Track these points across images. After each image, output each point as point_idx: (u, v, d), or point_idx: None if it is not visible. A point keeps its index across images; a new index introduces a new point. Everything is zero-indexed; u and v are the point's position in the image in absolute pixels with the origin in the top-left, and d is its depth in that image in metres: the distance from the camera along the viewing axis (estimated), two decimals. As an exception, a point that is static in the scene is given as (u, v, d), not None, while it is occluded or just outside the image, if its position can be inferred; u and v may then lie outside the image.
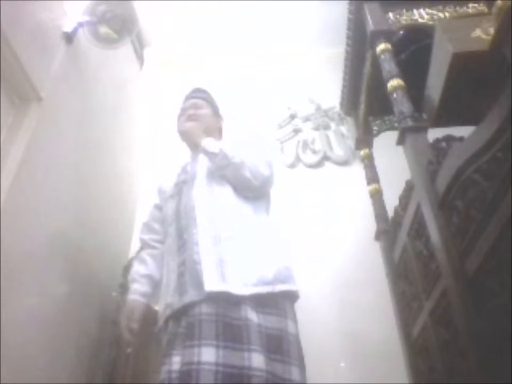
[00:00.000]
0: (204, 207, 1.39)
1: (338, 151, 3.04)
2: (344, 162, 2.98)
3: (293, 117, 3.23)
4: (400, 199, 1.93)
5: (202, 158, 1.55)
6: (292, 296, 1.31)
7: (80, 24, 2.05)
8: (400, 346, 1.81)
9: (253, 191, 1.46)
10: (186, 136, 1.61)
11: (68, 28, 2.02)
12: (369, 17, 1.89)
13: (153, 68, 3.48)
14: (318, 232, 2.61)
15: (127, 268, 2.43)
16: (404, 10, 1.91)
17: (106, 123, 2.51)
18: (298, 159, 3.01)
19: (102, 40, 2.10)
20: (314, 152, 3.04)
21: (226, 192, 1.45)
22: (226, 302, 1.20)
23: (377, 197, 2.20)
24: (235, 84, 3.39)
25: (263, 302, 1.23)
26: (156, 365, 2.25)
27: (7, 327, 1.47)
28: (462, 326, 1.20)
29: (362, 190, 2.36)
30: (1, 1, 1.49)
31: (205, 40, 3.52)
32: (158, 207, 1.63)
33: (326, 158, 3.00)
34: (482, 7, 1.85)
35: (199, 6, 3.27)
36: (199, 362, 1.09)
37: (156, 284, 1.48)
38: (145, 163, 3.24)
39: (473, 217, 1.12)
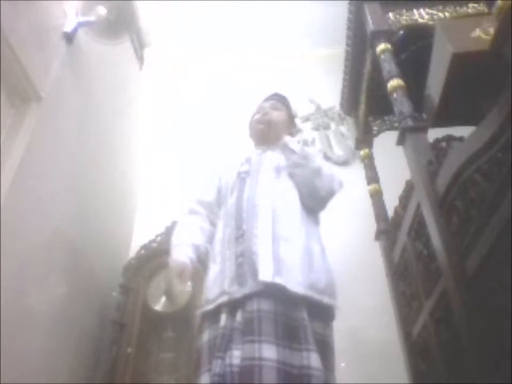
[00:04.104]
0: (266, 204, 1.41)
1: (338, 151, 3.04)
2: (344, 162, 2.98)
3: (293, 117, 3.24)
4: (400, 199, 1.93)
5: (270, 154, 1.57)
6: (332, 312, 1.35)
7: (80, 24, 2.05)
8: (400, 346, 1.81)
9: (315, 200, 1.48)
10: (270, 126, 1.61)
11: (68, 28, 2.02)
12: (369, 17, 1.88)
13: (153, 67, 3.47)
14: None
15: (127, 268, 2.43)
16: (404, 10, 1.91)
17: (106, 123, 2.51)
18: (298, 159, 3.01)
19: (101, 36, 2.10)
20: (314, 152, 3.04)
21: (289, 194, 1.46)
22: (284, 300, 1.21)
23: (377, 197, 2.20)
24: (235, 84, 3.40)
25: (312, 307, 1.26)
26: (156, 365, 2.27)
27: (7, 327, 1.47)
28: (462, 326, 1.20)
29: (362, 190, 2.36)
30: (1, 1, 1.49)
31: (204, 40, 3.52)
32: (219, 189, 1.62)
33: (326, 158, 2.99)
34: (482, 7, 1.85)
35: (199, 6, 3.27)
36: (261, 358, 1.10)
37: (198, 259, 1.48)
38: (146, 163, 3.24)
39: (473, 217, 1.12)
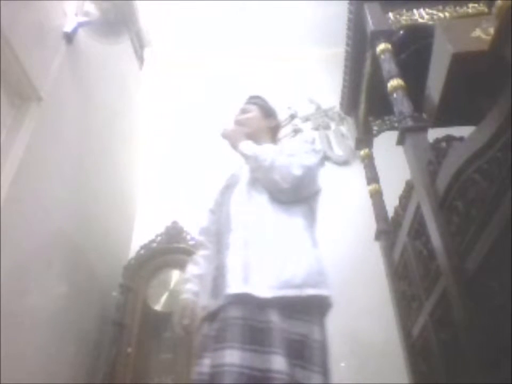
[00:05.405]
0: (238, 213, 1.42)
1: (338, 151, 3.04)
2: (344, 162, 2.98)
3: (293, 117, 3.22)
4: (400, 199, 1.93)
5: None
6: (321, 303, 1.30)
7: (80, 24, 2.05)
8: (400, 346, 1.81)
9: (285, 193, 1.43)
10: (226, 140, 1.62)
11: (68, 28, 2.02)
12: (369, 17, 1.88)
13: (153, 67, 3.48)
14: (318, 232, 2.60)
15: (127, 268, 2.44)
16: (404, 10, 1.91)
17: (106, 123, 2.51)
18: (298, 159, 3.01)
19: (101, 36, 2.10)
20: (314, 152, 3.04)
21: (262, 198, 1.45)
22: (253, 305, 1.20)
23: (377, 197, 2.20)
24: (235, 84, 3.39)
25: (290, 306, 1.23)
26: (155, 365, 2.27)
27: (7, 327, 1.47)
28: (462, 326, 1.20)
29: (362, 190, 2.36)
30: (1, 1, 1.49)
31: (204, 40, 3.52)
32: (211, 211, 1.67)
33: (326, 158, 3.00)
34: (482, 7, 1.85)
35: (199, 6, 3.27)
36: (223, 364, 1.11)
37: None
38: (145, 163, 3.24)
39: (473, 217, 1.12)
